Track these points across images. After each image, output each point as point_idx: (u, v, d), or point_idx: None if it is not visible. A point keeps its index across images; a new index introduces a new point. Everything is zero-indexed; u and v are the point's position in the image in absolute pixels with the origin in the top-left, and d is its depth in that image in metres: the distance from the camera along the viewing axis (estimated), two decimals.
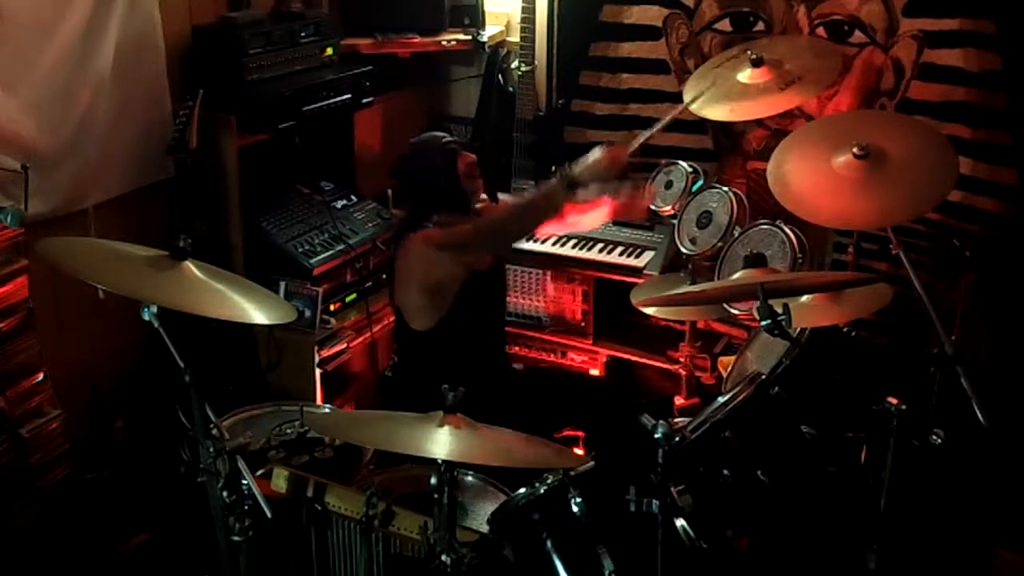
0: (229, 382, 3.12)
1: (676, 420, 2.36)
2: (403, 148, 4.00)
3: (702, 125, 3.69)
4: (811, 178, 2.35)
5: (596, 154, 2.80)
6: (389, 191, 3.76)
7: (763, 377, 2.23)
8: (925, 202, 2.36)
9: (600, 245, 3.65)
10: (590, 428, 3.10)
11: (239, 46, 3.16)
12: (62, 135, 2.86)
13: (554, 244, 3.68)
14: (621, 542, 1.98)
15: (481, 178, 2.99)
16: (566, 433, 3.13)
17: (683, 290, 2.63)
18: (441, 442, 1.88)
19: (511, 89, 3.90)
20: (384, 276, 3.57)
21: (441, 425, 1.92)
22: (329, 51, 3.50)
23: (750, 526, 2.22)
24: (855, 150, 2.28)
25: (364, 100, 3.54)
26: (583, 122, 3.96)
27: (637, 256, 3.56)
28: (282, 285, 3.24)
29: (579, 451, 3.07)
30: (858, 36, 3.39)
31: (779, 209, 2.42)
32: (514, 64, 3.86)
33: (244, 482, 2.05)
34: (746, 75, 2.93)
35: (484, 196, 3.02)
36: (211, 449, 2.02)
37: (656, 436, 1.85)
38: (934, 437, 1.95)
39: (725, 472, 2.12)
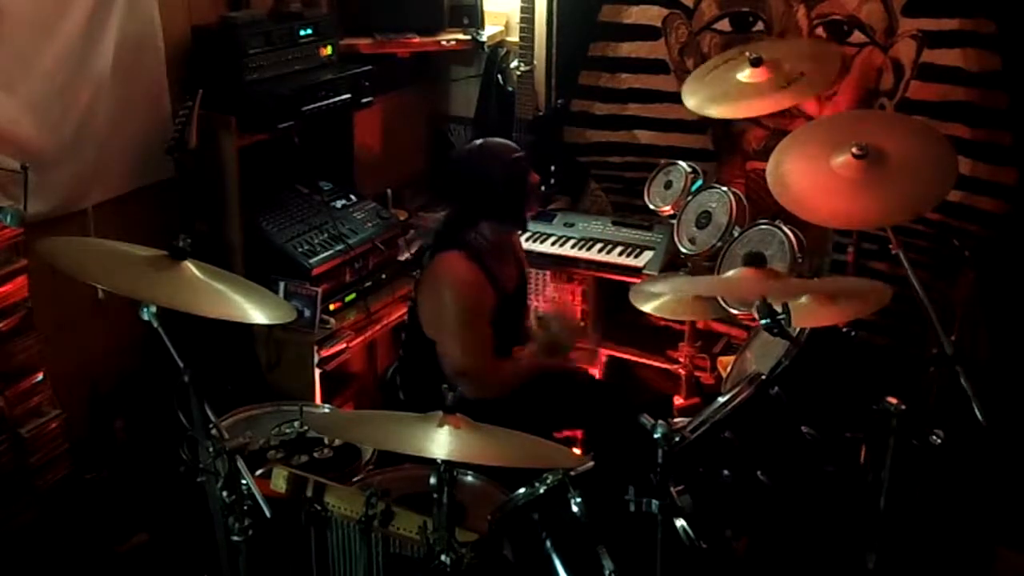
0: (229, 382, 3.12)
1: (676, 420, 2.36)
2: (402, 148, 4.07)
3: (702, 125, 3.70)
4: (810, 178, 2.35)
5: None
6: (388, 191, 3.76)
7: (763, 377, 2.23)
8: (925, 202, 2.36)
9: (600, 245, 3.65)
10: (589, 428, 3.10)
11: (239, 46, 3.16)
12: (62, 135, 2.86)
13: (554, 244, 3.69)
14: (621, 542, 1.98)
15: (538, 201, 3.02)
16: (565, 434, 3.13)
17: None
18: (441, 442, 1.88)
19: (510, 89, 3.90)
20: (383, 276, 3.57)
21: (441, 425, 1.91)
22: (328, 51, 3.50)
23: (750, 526, 2.22)
24: (854, 150, 2.28)
25: (363, 100, 3.53)
26: (582, 122, 3.96)
27: (636, 256, 3.56)
28: (281, 285, 3.23)
29: (577, 451, 3.08)
30: (857, 36, 3.39)
31: (778, 209, 2.42)
32: (513, 64, 3.86)
33: (243, 482, 2.05)
34: (746, 75, 2.93)
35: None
36: (211, 449, 2.02)
37: (656, 436, 1.85)
38: (934, 437, 1.95)
39: (725, 472, 2.12)
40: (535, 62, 3.83)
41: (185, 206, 3.13)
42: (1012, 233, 3.29)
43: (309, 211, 3.49)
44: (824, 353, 2.35)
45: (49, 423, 2.75)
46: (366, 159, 3.83)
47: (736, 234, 2.92)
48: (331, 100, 3.38)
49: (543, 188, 3.86)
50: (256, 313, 2.15)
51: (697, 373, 3.47)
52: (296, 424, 2.75)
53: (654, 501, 1.90)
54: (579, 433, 3.18)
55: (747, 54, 2.93)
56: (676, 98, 3.23)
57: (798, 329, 2.35)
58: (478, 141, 2.98)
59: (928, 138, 2.44)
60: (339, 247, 3.39)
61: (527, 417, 2.43)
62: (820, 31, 3.44)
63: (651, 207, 3.27)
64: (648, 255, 3.55)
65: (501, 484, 2.47)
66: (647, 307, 3.13)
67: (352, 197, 3.65)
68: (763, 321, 1.98)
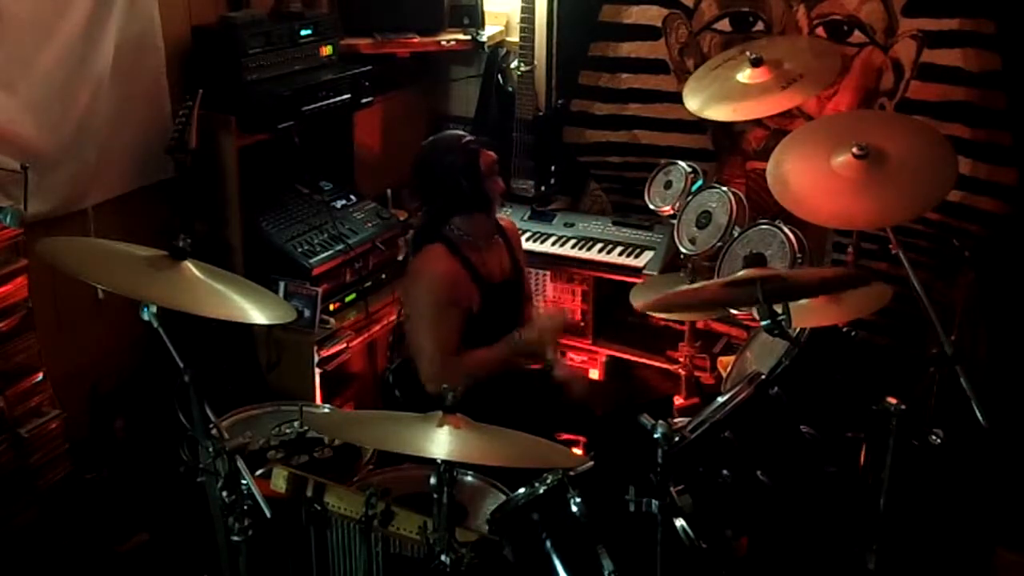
0: (229, 382, 3.12)
1: (676, 420, 2.36)
2: (402, 148, 4.06)
3: (702, 125, 3.69)
4: (810, 178, 2.35)
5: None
6: (388, 191, 3.76)
7: (763, 377, 2.23)
8: (925, 202, 2.36)
9: (600, 245, 3.65)
10: (589, 428, 3.10)
11: (239, 46, 3.16)
12: (61, 135, 2.86)
13: (554, 244, 3.69)
14: (621, 542, 1.98)
15: (500, 178, 3.01)
16: (564, 437, 3.13)
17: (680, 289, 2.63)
18: (441, 442, 1.88)
19: (511, 89, 3.90)
20: (383, 276, 3.57)
21: (441, 425, 1.92)
22: (328, 51, 3.50)
23: (750, 526, 2.22)
24: (854, 150, 2.28)
25: (363, 100, 3.53)
26: (582, 122, 3.96)
27: (636, 256, 3.56)
28: (281, 285, 3.24)
29: (578, 451, 3.07)
30: (857, 36, 3.39)
31: (779, 209, 2.42)
32: (514, 64, 3.86)
33: (244, 482, 2.05)
34: (746, 75, 2.93)
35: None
36: (211, 449, 2.02)
37: (656, 436, 1.85)
38: (934, 437, 1.95)
39: (725, 472, 2.12)
40: (535, 62, 3.83)
41: (185, 206, 3.13)
42: (1012, 233, 3.28)
43: (309, 211, 3.50)
44: (824, 353, 2.35)
45: (49, 423, 2.75)
46: (366, 159, 3.83)
47: (736, 234, 2.92)
48: (331, 100, 3.38)
49: (548, 184, 3.85)
50: (256, 313, 2.15)
51: (697, 373, 3.47)
52: (296, 424, 2.75)
53: (654, 501, 1.90)
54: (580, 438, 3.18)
55: (747, 54, 2.93)
56: (676, 98, 3.23)
57: (798, 329, 2.36)
58: (428, 139, 3.06)
59: (928, 138, 2.44)
60: (339, 247, 3.39)
61: (527, 418, 2.43)
62: (820, 31, 3.44)
63: (651, 207, 3.27)
64: (648, 255, 3.55)
65: (501, 484, 2.47)
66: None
67: (352, 197, 3.65)
68: (763, 322, 1.98)
